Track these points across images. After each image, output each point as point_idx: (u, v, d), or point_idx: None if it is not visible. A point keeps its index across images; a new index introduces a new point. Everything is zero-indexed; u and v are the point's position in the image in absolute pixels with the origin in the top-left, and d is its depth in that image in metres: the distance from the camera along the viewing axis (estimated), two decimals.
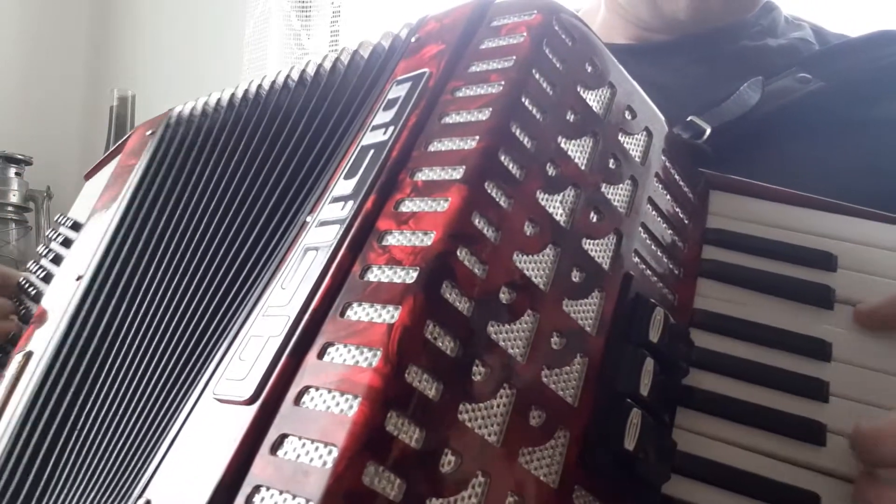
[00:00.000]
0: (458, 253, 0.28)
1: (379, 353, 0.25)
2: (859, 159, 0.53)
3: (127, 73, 1.95)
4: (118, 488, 0.29)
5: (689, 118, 0.53)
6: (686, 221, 0.42)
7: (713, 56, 0.62)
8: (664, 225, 0.40)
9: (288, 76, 0.45)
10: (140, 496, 0.26)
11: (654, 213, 0.39)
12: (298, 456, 0.23)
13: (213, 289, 0.35)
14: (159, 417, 0.30)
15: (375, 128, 0.34)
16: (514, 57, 0.34)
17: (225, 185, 0.40)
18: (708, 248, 0.42)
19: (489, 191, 0.30)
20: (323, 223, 0.31)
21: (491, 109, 0.32)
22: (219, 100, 0.48)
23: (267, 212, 0.37)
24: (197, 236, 0.39)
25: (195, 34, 1.80)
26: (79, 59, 2.01)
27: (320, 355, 0.26)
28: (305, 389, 0.25)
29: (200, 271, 0.36)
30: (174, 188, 0.45)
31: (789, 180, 0.44)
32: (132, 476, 0.29)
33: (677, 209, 0.41)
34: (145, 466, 0.28)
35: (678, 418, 0.36)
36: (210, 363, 0.29)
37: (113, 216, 0.49)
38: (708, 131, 0.51)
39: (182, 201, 0.42)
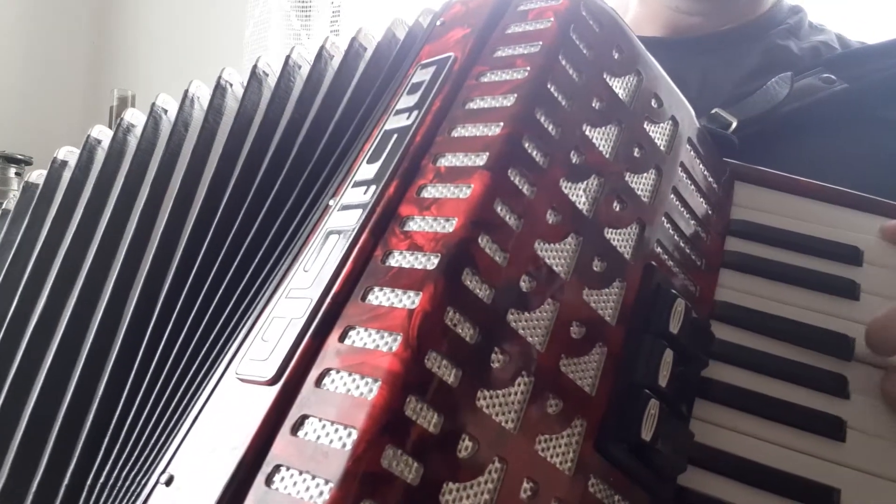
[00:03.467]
0: (479, 240, 0.28)
1: (399, 337, 0.25)
2: (882, 158, 0.52)
3: (127, 73, 1.95)
4: (142, 463, 0.30)
5: (714, 110, 0.53)
6: (710, 212, 0.41)
7: (740, 52, 0.61)
8: (688, 215, 0.39)
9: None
10: (164, 471, 0.26)
11: (677, 203, 0.38)
12: (318, 437, 0.24)
13: (231, 275, 0.35)
14: (179, 394, 0.31)
15: (399, 112, 0.34)
16: (541, 42, 0.33)
17: (215, 175, 0.41)
18: (731, 240, 0.42)
19: (512, 178, 0.30)
20: (345, 207, 0.31)
21: (516, 95, 0.31)
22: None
23: (276, 197, 0.37)
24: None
25: (195, 34, 1.80)
26: (79, 59, 2.01)
27: (342, 338, 0.26)
28: (326, 372, 0.25)
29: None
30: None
31: (811, 177, 0.44)
32: (156, 452, 0.30)
33: (701, 199, 0.41)
34: (169, 442, 0.28)
35: (696, 410, 0.35)
36: (233, 343, 0.30)
37: None
38: (734, 124, 0.51)
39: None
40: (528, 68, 0.32)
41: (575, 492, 0.29)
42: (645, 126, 0.37)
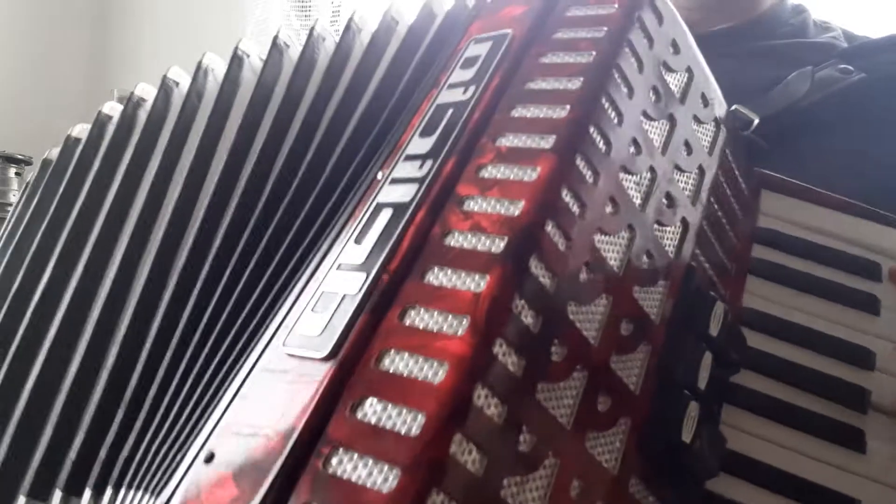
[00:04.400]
0: (546, 226, 0.27)
1: (466, 320, 0.24)
2: None
3: (127, 73, 1.89)
4: (174, 437, 0.28)
5: (733, 107, 0.52)
6: (741, 217, 0.41)
7: (747, 50, 0.61)
8: (723, 219, 0.39)
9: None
10: (202, 447, 0.24)
11: (715, 205, 0.38)
12: (380, 419, 0.22)
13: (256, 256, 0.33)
14: (215, 365, 0.29)
15: (453, 86, 0.33)
16: (606, 28, 0.32)
17: (235, 146, 0.39)
18: (757, 247, 0.42)
19: (578, 164, 0.28)
20: (397, 181, 0.30)
21: (582, 79, 0.30)
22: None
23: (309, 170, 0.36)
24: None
25: (195, 34, 1.76)
26: (79, 59, 1.97)
27: (401, 317, 0.25)
28: (386, 350, 0.24)
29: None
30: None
31: (833, 172, 0.44)
32: (191, 426, 0.27)
33: (734, 204, 0.40)
34: (206, 416, 0.26)
35: (722, 414, 0.35)
36: (275, 316, 0.28)
37: None
38: (756, 121, 0.51)
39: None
40: (594, 52, 0.31)
41: (618, 492, 0.28)
42: (693, 126, 0.36)
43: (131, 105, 0.47)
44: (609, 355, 0.29)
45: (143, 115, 0.46)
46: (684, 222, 0.35)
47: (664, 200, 0.34)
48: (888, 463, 0.34)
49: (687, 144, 0.36)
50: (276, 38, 0.44)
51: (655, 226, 0.33)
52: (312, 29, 0.43)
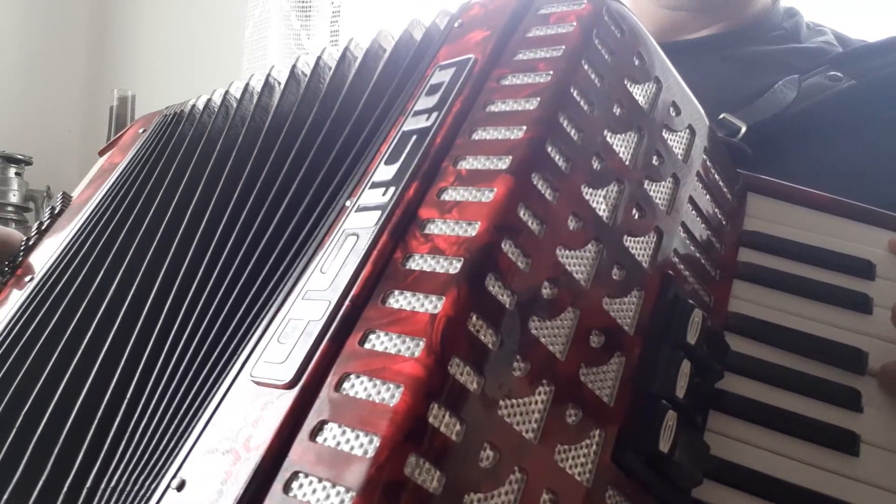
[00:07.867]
0: (502, 245, 0.27)
1: (422, 343, 0.24)
2: (886, 161, 0.52)
3: (127, 73, 1.94)
4: (151, 466, 0.29)
5: (721, 116, 0.52)
6: (724, 222, 0.41)
7: (738, 56, 0.61)
8: (703, 225, 0.39)
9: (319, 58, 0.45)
10: (175, 476, 0.26)
11: (693, 212, 0.38)
12: (339, 443, 0.23)
13: (245, 273, 0.34)
14: (191, 396, 0.30)
15: (418, 113, 0.34)
16: (564, 46, 0.33)
17: (249, 173, 0.40)
18: (744, 251, 0.41)
19: (535, 183, 0.29)
20: (363, 209, 0.31)
21: (539, 99, 0.31)
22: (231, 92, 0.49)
23: (291, 197, 0.37)
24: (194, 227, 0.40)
25: (195, 34, 1.79)
26: (79, 59, 2.01)
27: (361, 342, 0.26)
28: (346, 376, 0.25)
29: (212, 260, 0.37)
30: (153, 190, 0.46)
31: (821, 180, 0.44)
32: (166, 455, 0.29)
33: (716, 210, 0.40)
34: (180, 446, 0.27)
35: (710, 422, 0.35)
36: (247, 344, 0.29)
37: (79, 218, 0.51)
38: (743, 129, 0.51)
39: (159, 200, 0.44)
40: (551, 72, 0.32)
41: (592, 503, 0.28)
42: (663, 134, 0.37)
43: (207, 113, 0.48)
44: (577, 368, 0.29)
45: (210, 124, 0.48)
46: (658, 231, 0.35)
47: (635, 211, 0.34)
48: (882, 465, 0.34)
49: (658, 154, 0.36)
50: (294, 67, 0.45)
51: (626, 237, 0.33)
52: (319, 58, 0.44)
